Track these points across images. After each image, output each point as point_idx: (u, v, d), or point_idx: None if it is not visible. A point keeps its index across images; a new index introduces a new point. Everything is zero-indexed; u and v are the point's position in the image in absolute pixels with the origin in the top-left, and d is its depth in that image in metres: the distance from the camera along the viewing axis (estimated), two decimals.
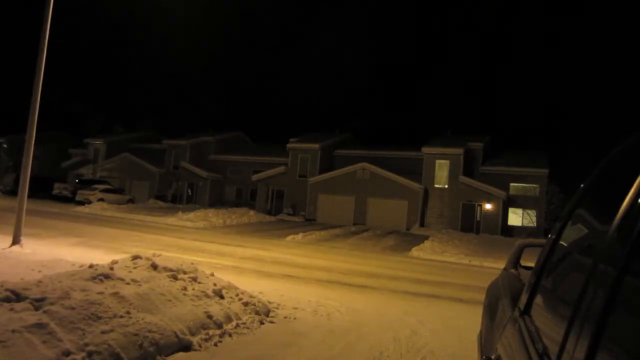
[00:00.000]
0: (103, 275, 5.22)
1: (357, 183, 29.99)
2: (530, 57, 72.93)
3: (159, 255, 6.87)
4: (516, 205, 28.80)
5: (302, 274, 10.49)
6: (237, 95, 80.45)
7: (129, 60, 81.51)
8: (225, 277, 7.09)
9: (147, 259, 6.38)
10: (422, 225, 28.08)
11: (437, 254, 16.87)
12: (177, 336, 4.56)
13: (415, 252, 17.19)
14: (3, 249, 9.66)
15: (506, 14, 74.61)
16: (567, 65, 67.35)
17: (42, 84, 10.80)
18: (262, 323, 5.85)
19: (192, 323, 4.93)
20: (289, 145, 33.74)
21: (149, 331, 4.31)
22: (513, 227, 28.14)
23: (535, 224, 28.16)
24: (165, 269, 6.09)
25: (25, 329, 3.60)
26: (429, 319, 7.03)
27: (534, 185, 28.85)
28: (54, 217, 19.25)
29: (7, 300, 4.11)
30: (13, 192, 28.29)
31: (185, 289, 5.65)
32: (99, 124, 46.04)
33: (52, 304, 4.11)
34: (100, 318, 4.15)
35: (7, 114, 46.12)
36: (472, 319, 5.69)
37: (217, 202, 34.56)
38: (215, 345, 4.86)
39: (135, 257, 6.47)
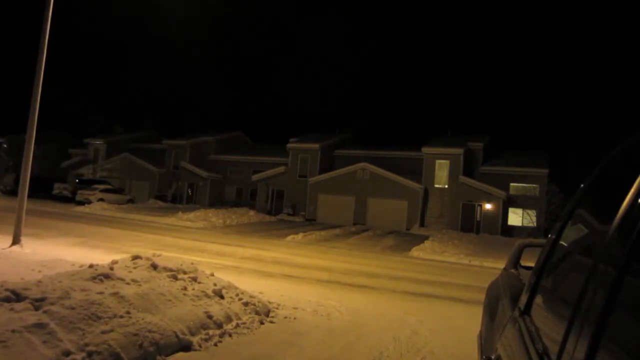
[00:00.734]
0: (103, 275, 5.22)
1: (357, 183, 29.99)
2: (530, 57, 72.97)
3: (159, 255, 6.87)
4: (516, 205, 28.80)
5: (302, 274, 10.49)
6: (237, 95, 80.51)
7: (129, 60, 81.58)
8: (226, 277, 7.09)
9: (147, 259, 6.38)
10: (422, 225, 28.07)
11: (437, 254, 16.87)
12: (177, 336, 4.56)
13: (415, 252, 17.20)
14: (3, 249, 9.67)
15: (506, 13, 74.70)
16: (567, 65, 67.40)
17: (42, 83, 10.81)
18: (262, 323, 5.85)
19: (192, 323, 4.93)
20: (289, 145, 33.74)
21: (149, 331, 4.31)
22: (513, 227, 28.14)
23: (535, 224, 28.14)
24: (166, 269, 6.09)
25: (25, 329, 3.60)
26: (429, 319, 7.04)
27: (534, 185, 28.84)
28: (54, 217, 19.26)
29: (7, 300, 4.11)
30: (13, 192, 28.31)
31: (185, 289, 5.65)
32: (99, 124, 46.04)
33: (52, 304, 4.11)
34: (100, 318, 4.15)
35: (7, 114, 46.16)
36: (472, 319, 5.69)
37: (217, 202, 34.55)
38: (215, 345, 4.86)
39: (135, 257, 6.47)
